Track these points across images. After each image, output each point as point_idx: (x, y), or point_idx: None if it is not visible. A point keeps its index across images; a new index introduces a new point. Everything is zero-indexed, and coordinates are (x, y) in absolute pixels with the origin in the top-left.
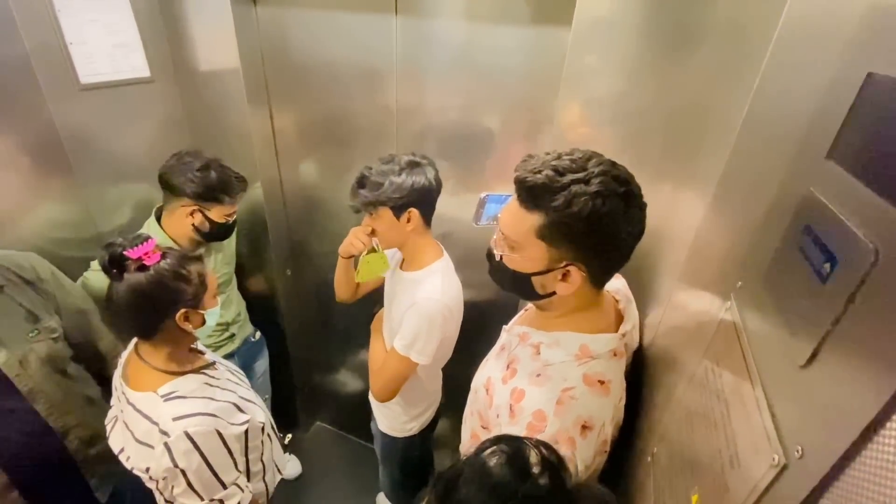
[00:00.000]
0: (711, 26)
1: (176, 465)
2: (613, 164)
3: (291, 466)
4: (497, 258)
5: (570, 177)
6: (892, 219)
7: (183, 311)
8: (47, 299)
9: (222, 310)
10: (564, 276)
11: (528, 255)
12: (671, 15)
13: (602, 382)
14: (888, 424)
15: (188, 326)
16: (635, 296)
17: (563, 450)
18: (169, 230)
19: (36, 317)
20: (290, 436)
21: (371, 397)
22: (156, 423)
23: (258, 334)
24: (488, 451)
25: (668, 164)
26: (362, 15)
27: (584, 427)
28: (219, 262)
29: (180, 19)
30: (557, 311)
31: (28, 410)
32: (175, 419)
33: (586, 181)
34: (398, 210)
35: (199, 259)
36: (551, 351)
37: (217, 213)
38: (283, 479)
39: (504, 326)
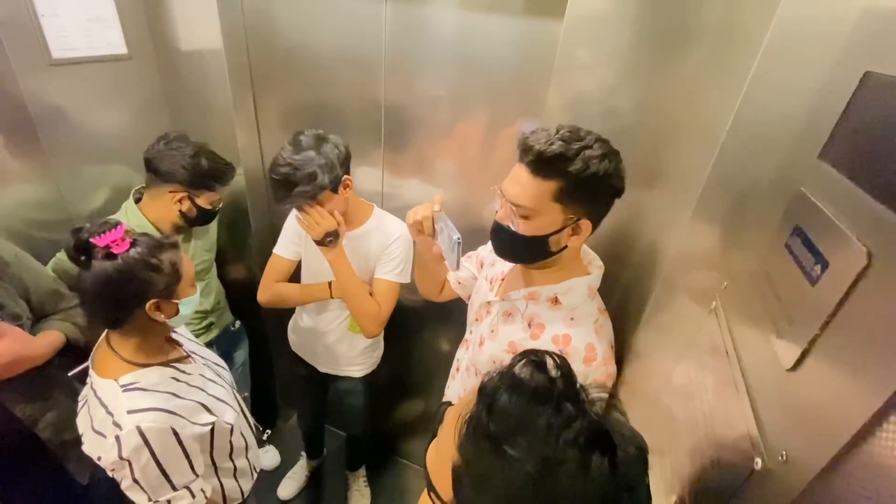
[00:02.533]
0: (703, 24)
1: (122, 458)
2: (593, 132)
3: (270, 457)
4: (512, 230)
5: (576, 144)
6: (887, 221)
7: (154, 301)
8: (12, 284)
9: (202, 297)
10: (574, 231)
11: (544, 219)
12: (664, 12)
13: (605, 309)
14: (878, 433)
15: (160, 317)
16: (617, 294)
17: (610, 367)
18: (150, 214)
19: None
20: (268, 432)
21: (342, 363)
22: (111, 414)
23: (238, 323)
24: (520, 362)
25: (655, 160)
26: None
27: (610, 346)
28: (199, 249)
29: None
30: (559, 264)
31: None
32: (130, 412)
33: (590, 146)
34: (336, 185)
35: (174, 246)
36: (569, 297)
37: (205, 200)
38: (262, 470)
39: (490, 300)
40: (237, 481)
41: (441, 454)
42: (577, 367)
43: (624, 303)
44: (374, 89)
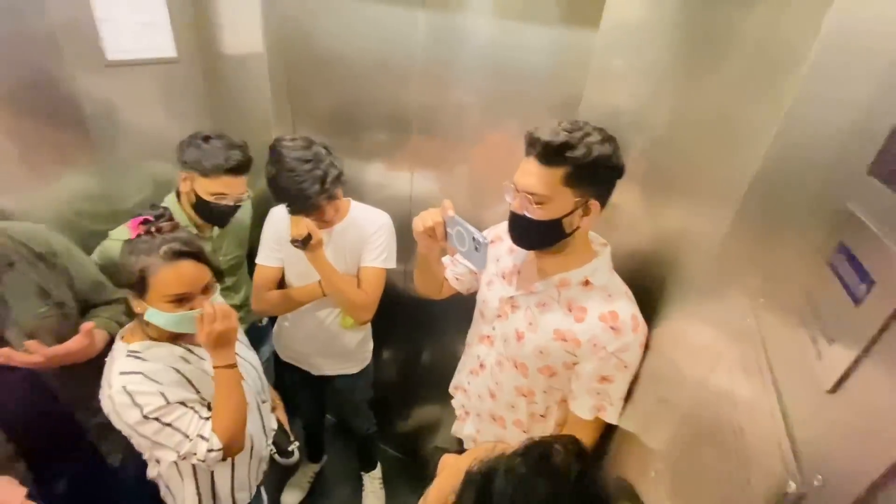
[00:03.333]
0: (746, 35)
1: (117, 413)
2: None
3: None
4: (528, 217)
5: (578, 133)
6: None
7: (131, 291)
8: (59, 274)
9: (231, 293)
10: (585, 211)
11: (557, 203)
12: (704, 22)
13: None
14: None
15: (136, 307)
16: (646, 307)
17: (644, 325)
18: (184, 206)
19: (47, 292)
20: (296, 444)
21: (341, 362)
22: (109, 373)
23: (265, 320)
24: (520, 458)
25: (690, 172)
26: (389, 7)
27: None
28: (231, 245)
29: (208, 1)
30: (571, 248)
31: (36, 383)
32: (120, 373)
33: (590, 133)
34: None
35: (168, 258)
36: (597, 277)
37: (202, 187)
38: (280, 464)
39: (514, 294)
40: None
41: None
42: (628, 338)
43: (653, 315)
44: (406, 95)
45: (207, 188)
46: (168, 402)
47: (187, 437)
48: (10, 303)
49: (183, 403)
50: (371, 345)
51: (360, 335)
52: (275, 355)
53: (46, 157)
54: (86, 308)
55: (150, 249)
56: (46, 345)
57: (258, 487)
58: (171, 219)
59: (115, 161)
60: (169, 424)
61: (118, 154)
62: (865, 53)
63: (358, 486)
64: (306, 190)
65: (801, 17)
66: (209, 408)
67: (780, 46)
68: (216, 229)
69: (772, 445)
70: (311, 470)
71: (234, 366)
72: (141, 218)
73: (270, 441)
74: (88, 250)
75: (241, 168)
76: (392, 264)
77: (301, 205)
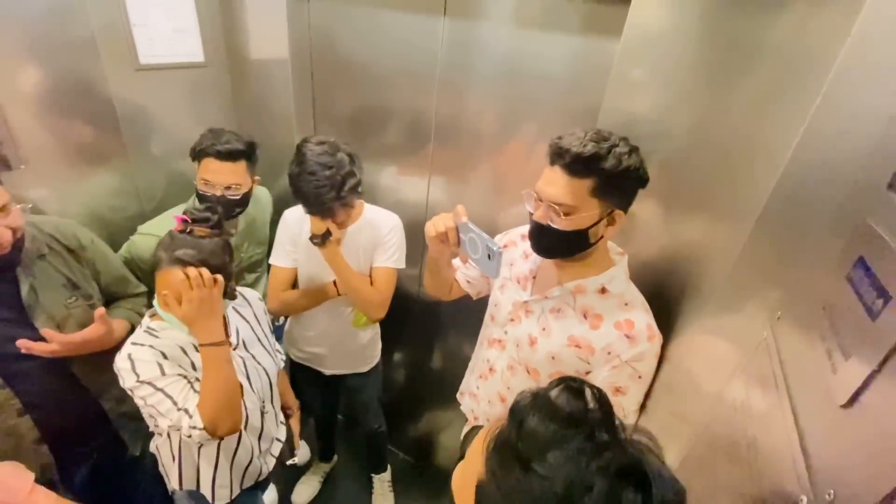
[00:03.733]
0: (769, 46)
1: (120, 377)
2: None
3: (301, 453)
4: (553, 227)
5: (605, 144)
6: None
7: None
8: (86, 266)
9: (254, 288)
10: (610, 221)
11: (584, 214)
12: (727, 32)
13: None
14: None
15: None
16: (662, 314)
17: (660, 334)
18: None
19: (75, 284)
20: (295, 460)
21: (352, 360)
22: (125, 344)
23: (282, 319)
24: (557, 388)
25: (709, 184)
26: (411, 15)
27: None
28: (252, 243)
29: (236, 8)
30: (591, 257)
31: (64, 372)
32: (132, 343)
33: (617, 144)
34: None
35: (176, 262)
36: (614, 285)
37: (197, 176)
38: (292, 464)
39: (528, 299)
40: (214, 473)
41: (467, 473)
42: (643, 347)
43: (667, 326)
44: (426, 102)
45: (198, 175)
46: (164, 374)
47: (176, 405)
48: (39, 292)
49: (180, 376)
50: (380, 345)
51: (369, 335)
52: (287, 356)
53: (81, 155)
54: (110, 301)
55: (169, 247)
56: None
57: (249, 490)
58: (215, 226)
59: (144, 160)
60: (161, 389)
61: (148, 154)
62: (887, 66)
63: (368, 487)
64: (323, 195)
65: (827, 29)
66: None
67: (805, 58)
68: (239, 226)
69: (785, 459)
70: (321, 469)
71: (220, 343)
72: (180, 217)
73: (270, 451)
74: (117, 244)
75: (227, 154)
76: (402, 264)
77: (316, 207)
